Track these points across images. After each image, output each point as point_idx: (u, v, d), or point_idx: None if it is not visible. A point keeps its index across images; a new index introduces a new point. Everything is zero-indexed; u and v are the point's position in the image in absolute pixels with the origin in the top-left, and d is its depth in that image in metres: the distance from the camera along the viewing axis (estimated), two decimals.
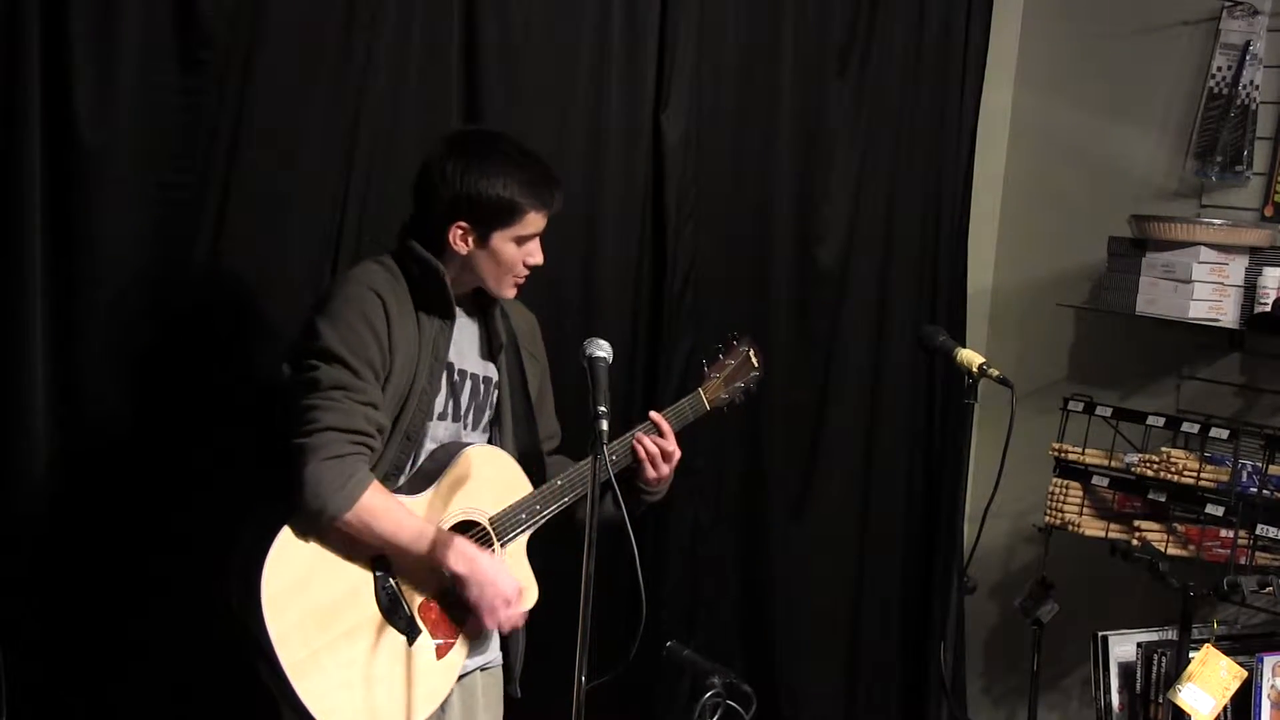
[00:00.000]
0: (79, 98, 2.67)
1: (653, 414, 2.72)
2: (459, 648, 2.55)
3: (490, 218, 2.49)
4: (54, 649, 2.76)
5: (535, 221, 2.53)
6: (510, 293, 2.59)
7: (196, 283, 2.86)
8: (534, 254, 2.56)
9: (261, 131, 2.87)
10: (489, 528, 2.56)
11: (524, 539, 2.62)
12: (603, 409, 2.37)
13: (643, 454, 2.67)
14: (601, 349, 2.45)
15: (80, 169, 2.70)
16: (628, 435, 2.68)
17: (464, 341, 2.61)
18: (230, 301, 2.90)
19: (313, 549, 2.38)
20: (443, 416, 2.57)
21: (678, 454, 2.72)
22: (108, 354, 2.78)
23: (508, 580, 2.52)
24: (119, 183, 2.74)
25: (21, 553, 2.72)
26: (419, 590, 2.50)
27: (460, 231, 2.50)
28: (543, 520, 2.62)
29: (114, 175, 2.73)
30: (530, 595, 2.60)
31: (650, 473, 2.69)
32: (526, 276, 2.58)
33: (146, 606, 2.82)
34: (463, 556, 2.46)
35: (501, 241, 2.51)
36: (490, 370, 2.66)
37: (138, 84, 2.74)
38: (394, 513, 2.42)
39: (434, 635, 2.51)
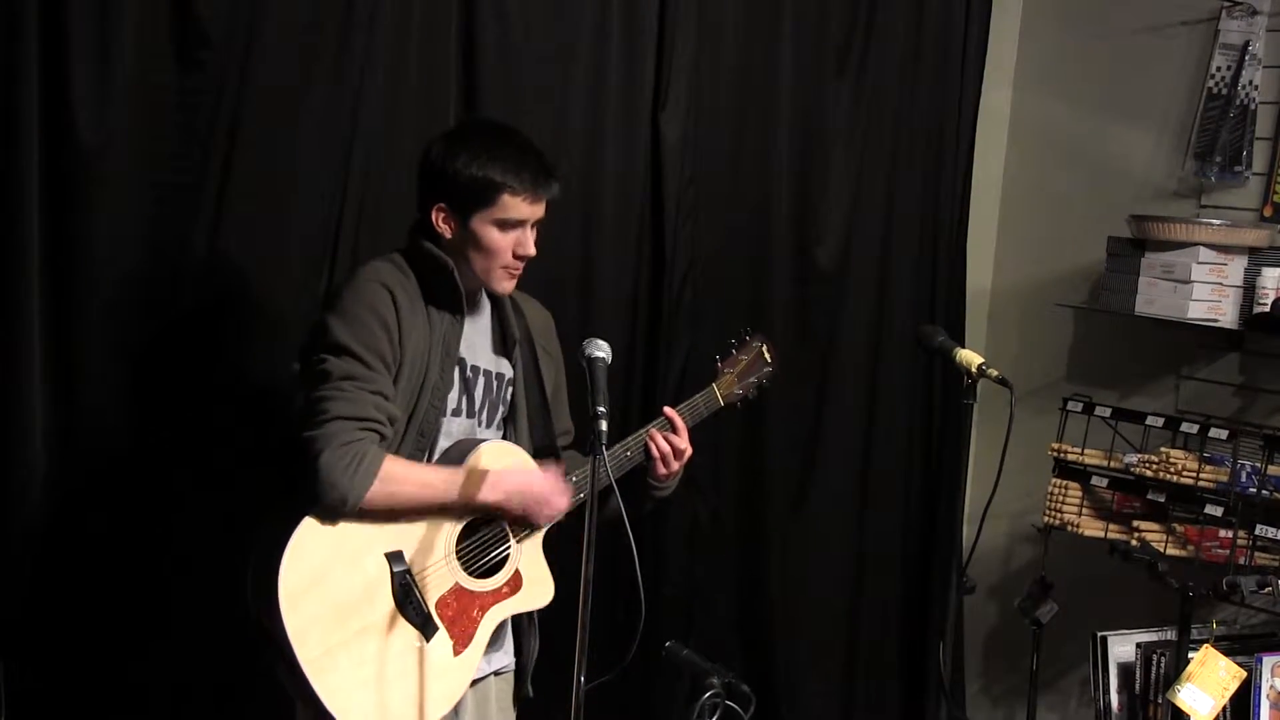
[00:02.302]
0: (77, 98, 2.67)
1: (667, 410, 2.70)
2: (476, 644, 2.53)
3: (467, 198, 2.47)
4: (53, 656, 2.75)
5: (516, 206, 2.48)
6: (503, 286, 2.55)
7: (194, 282, 2.85)
8: (524, 244, 2.51)
9: (259, 131, 2.87)
10: (506, 524, 2.55)
11: (540, 535, 2.60)
12: (602, 409, 2.36)
13: (656, 451, 2.66)
14: (600, 349, 2.45)
15: (78, 169, 2.69)
16: (642, 431, 2.67)
17: (476, 337, 2.60)
18: (228, 301, 2.90)
19: (330, 545, 2.36)
20: (456, 413, 2.55)
21: (689, 451, 2.70)
22: (106, 353, 2.77)
23: (539, 482, 2.53)
24: (117, 183, 2.74)
25: (21, 557, 2.72)
26: (436, 586, 2.48)
27: (441, 214, 2.48)
28: (558, 517, 2.60)
29: (112, 175, 2.73)
30: (547, 592, 2.59)
31: (662, 469, 2.67)
32: (519, 269, 2.54)
33: (147, 610, 2.82)
34: (491, 487, 2.46)
35: (481, 225, 2.48)
36: (504, 366, 2.64)
37: (135, 84, 2.74)
38: (416, 473, 2.42)
39: (451, 632, 2.49)
